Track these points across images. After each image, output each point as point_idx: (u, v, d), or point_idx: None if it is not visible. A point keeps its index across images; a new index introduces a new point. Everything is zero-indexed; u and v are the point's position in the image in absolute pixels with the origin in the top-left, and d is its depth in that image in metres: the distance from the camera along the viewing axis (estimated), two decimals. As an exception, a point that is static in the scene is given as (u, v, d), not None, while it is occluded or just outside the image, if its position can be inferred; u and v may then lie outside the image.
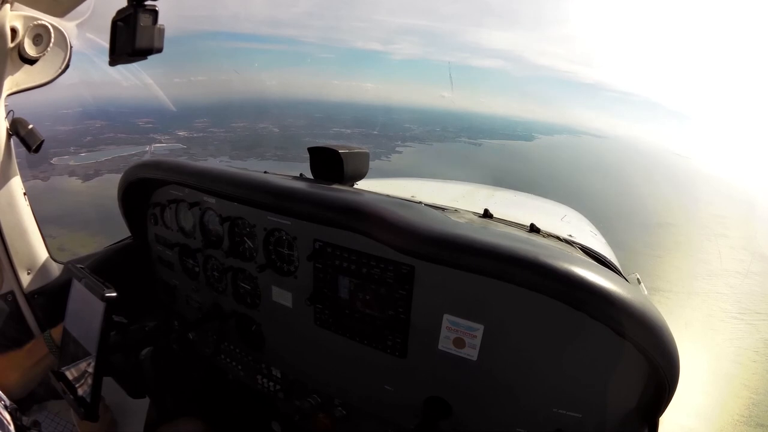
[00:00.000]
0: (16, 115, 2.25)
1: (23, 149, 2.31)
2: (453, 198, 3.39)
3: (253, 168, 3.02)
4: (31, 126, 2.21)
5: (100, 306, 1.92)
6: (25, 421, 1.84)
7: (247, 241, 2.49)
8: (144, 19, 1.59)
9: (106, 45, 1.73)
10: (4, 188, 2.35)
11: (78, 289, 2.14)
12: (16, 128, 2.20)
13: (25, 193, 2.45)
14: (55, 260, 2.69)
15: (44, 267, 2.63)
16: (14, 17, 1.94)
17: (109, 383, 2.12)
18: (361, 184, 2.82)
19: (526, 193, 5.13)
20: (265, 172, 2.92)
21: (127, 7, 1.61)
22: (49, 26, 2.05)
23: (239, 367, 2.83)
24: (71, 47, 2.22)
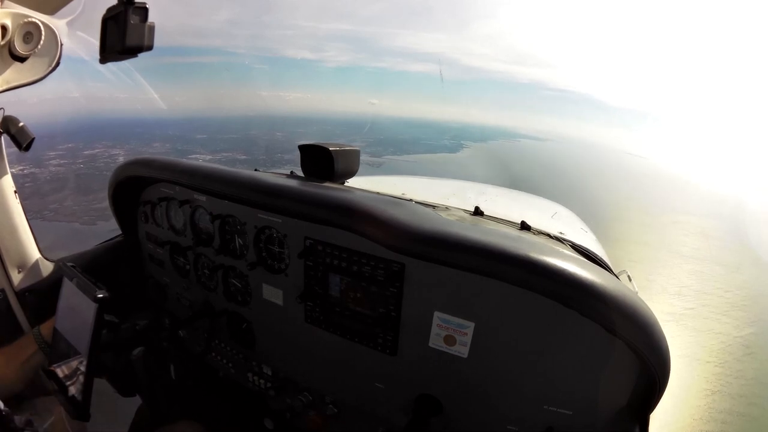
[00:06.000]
0: (6, 113, 2.24)
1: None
2: (444, 195, 3.40)
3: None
4: (21, 124, 2.20)
5: (91, 306, 1.93)
6: (18, 421, 1.84)
7: (238, 238, 2.50)
8: (134, 17, 1.60)
9: (96, 42, 1.74)
10: None
11: (69, 289, 2.14)
12: (7, 126, 2.20)
13: (15, 192, 2.44)
14: (46, 258, 2.68)
15: (35, 265, 2.62)
16: (4, 15, 1.93)
17: (99, 382, 2.12)
18: (352, 182, 2.82)
19: (517, 191, 5.15)
20: (256, 170, 2.93)
21: (117, 5, 1.61)
22: (40, 24, 2.04)
23: (230, 364, 2.83)
24: (61, 45, 2.21)
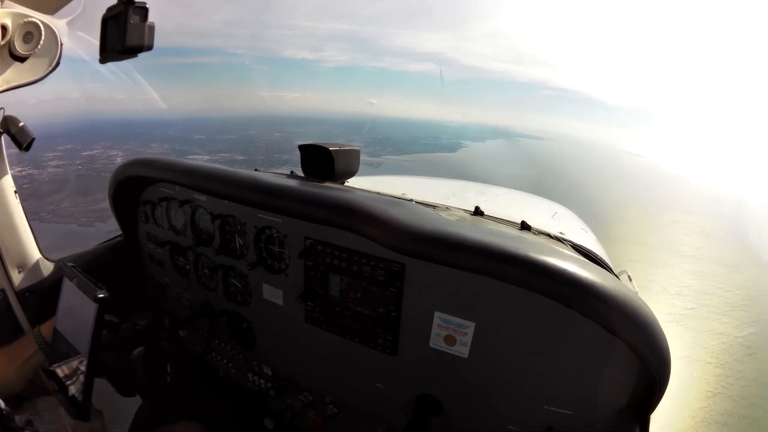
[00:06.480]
0: (6, 113, 2.24)
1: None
2: (444, 195, 3.40)
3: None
4: (21, 124, 2.20)
5: (92, 306, 1.93)
6: (18, 420, 1.84)
7: (238, 238, 2.50)
8: (134, 17, 1.60)
9: (96, 42, 1.74)
10: None
11: (69, 289, 2.14)
12: (7, 126, 2.19)
13: (15, 192, 2.44)
14: (46, 258, 2.68)
15: (36, 265, 2.62)
16: (4, 14, 1.93)
17: (99, 381, 2.13)
18: (352, 182, 2.83)
19: (517, 191, 5.15)
20: (256, 170, 2.93)
21: (117, 4, 1.61)
22: (40, 24, 2.04)
23: (230, 364, 2.83)
24: (61, 45, 2.21)
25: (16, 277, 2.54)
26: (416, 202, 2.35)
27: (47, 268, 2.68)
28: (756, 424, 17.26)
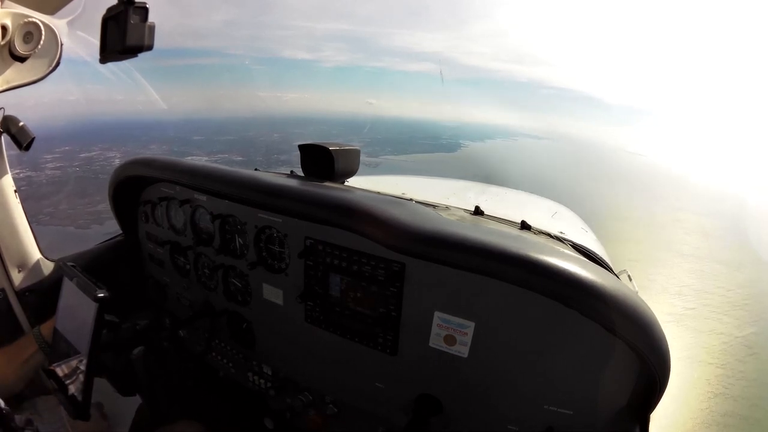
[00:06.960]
0: (6, 113, 2.24)
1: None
2: (444, 195, 3.39)
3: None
4: (21, 123, 2.20)
5: (92, 306, 1.93)
6: (18, 420, 1.84)
7: (238, 238, 2.50)
8: (134, 17, 1.60)
9: (97, 42, 1.74)
10: None
11: (70, 288, 2.14)
12: (7, 126, 2.19)
13: (15, 191, 2.44)
14: (46, 258, 2.68)
15: (36, 265, 2.62)
16: (4, 15, 1.93)
17: (99, 381, 2.13)
18: (352, 182, 2.83)
19: (517, 190, 5.15)
20: (256, 170, 2.93)
21: (117, 4, 1.61)
22: (40, 24, 2.04)
23: (230, 364, 2.83)
24: (62, 45, 2.21)
25: (16, 277, 2.54)
26: (416, 201, 2.35)
27: (47, 267, 2.69)
28: (758, 425, 17.20)
